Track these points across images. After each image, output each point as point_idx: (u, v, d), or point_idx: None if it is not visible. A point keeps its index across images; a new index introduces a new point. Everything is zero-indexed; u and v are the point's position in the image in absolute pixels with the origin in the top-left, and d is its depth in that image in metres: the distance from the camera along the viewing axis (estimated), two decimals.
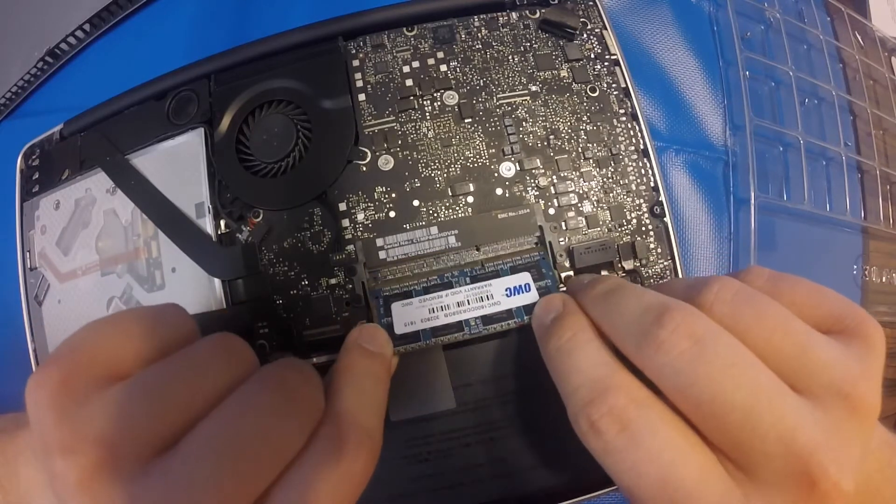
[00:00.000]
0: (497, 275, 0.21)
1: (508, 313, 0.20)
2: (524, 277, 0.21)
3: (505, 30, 0.25)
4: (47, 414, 0.13)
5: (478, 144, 0.23)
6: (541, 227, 0.22)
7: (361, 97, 0.24)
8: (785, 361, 0.14)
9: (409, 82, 0.24)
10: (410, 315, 0.21)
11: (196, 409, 0.14)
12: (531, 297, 0.21)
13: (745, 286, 0.15)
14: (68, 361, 0.14)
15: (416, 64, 0.24)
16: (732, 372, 0.14)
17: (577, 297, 0.18)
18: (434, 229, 0.22)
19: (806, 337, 0.14)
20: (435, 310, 0.21)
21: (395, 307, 0.21)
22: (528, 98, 0.24)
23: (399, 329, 0.20)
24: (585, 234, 0.22)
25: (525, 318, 0.20)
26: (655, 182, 0.23)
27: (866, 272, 0.29)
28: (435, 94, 0.24)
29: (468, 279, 0.21)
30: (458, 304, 0.21)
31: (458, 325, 0.20)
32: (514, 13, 0.25)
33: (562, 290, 0.22)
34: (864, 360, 0.14)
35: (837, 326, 0.15)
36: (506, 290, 0.21)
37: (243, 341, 0.16)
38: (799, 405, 0.14)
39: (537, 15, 0.25)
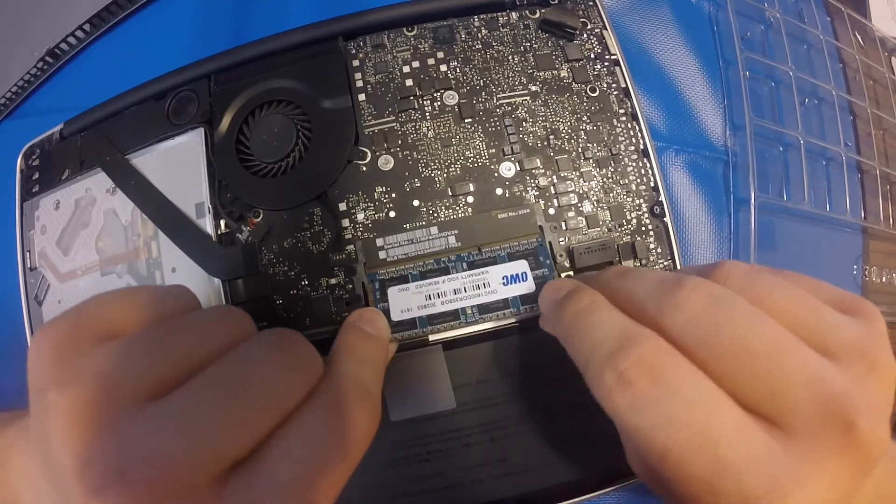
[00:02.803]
0: (494, 261, 0.21)
1: (505, 303, 0.21)
2: (521, 265, 0.21)
3: (505, 30, 0.25)
4: (46, 358, 0.14)
5: (478, 144, 0.23)
6: (541, 227, 0.22)
7: (361, 97, 0.24)
8: (801, 325, 0.14)
9: (409, 82, 0.24)
10: (407, 301, 0.21)
11: (195, 361, 0.14)
12: (528, 286, 0.21)
13: (754, 266, 0.16)
14: (73, 318, 0.14)
15: (416, 64, 0.24)
16: (754, 322, 0.14)
17: (588, 283, 0.18)
18: (434, 229, 0.22)
19: (818, 304, 0.15)
20: (432, 296, 0.21)
21: (392, 292, 0.21)
22: (528, 98, 0.24)
23: (396, 316, 0.21)
24: (585, 234, 0.22)
25: (521, 308, 0.20)
26: (655, 182, 0.23)
27: (866, 272, 0.29)
28: (435, 94, 0.24)
29: (465, 265, 0.21)
30: (455, 292, 0.21)
31: (455, 314, 0.21)
32: (514, 13, 0.25)
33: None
34: (872, 327, 0.15)
35: (838, 307, 0.15)
36: (503, 278, 0.21)
37: (244, 311, 0.16)
38: (821, 358, 0.14)
39: (537, 15, 0.25)
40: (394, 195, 0.23)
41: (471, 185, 0.23)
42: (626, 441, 0.17)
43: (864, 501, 0.14)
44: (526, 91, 0.24)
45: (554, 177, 0.23)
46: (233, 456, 0.13)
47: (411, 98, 0.24)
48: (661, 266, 0.22)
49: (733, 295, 0.14)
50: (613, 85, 0.24)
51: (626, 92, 0.24)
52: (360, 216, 0.23)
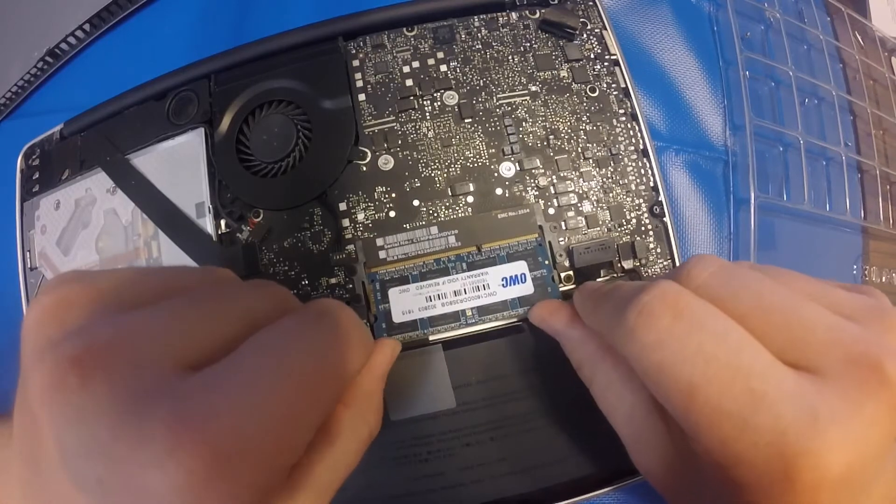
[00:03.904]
0: (494, 262, 0.22)
1: (504, 304, 0.21)
2: (521, 266, 0.22)
3: (505, 30, 0.25)
4: (38, 318, 0.12)
5: (478, 144, 0.23)
6: (541, 226, 0.22)
7: (361, 97, 0.24)
8: (813, 293, 0.14)
9: (409, 82, 0.24)
10: (408, 303, 0.21)
11: (231, 330, 0.13)
12: (526, 288, 0.21)
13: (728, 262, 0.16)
14: (86, 278, 0.13)
15: (416, 64, 0.24)
16: (765, 283, 0.14)
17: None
18: (434, 229, 0.22)
19: (826, 282, 0.15)
20: (432, 298, 0.21)
21: (393, 293, 0.21)
22: (528, 98, 0.24)
23: (397, 318, 0.21)
24: (585, 233, 0.22)
25: (520, 309, 0.21)
26: (655, 182, 0.23)
27: (866, 272, 0.29)
28: (435, 94, 0.24)
29: (465, 265, 0.22)
30: (455, 293, 0.21)
31: (455, 316, 0.21)
32: (514, 13, 0.25)
33: (560, 288, 0.22)
34: (881, 300, 0.15)
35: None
36: (502, 279, 0.21)
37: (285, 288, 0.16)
38: (837, 315, 0.13)
39: (537, 15, 0.25)
40: (394, 195, 0.23)
41: (471, 185, 0.23)
42: (631, 435, 0.17)
43: None
44: (526, 91, 0.24)
45: (554, 177, 0.23)
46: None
47: (411, 98, 0.24)
48: (661, 266, 0.22)
49: (740, 264, 0.15)
50: (613, 85, 0.24)
51: (625, 92, 0.24)
52: (361, 216, 0.23)
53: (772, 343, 0.13)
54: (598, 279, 0.22)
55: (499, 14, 0.25)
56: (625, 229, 0.23)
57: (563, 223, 0.22)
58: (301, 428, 0.12)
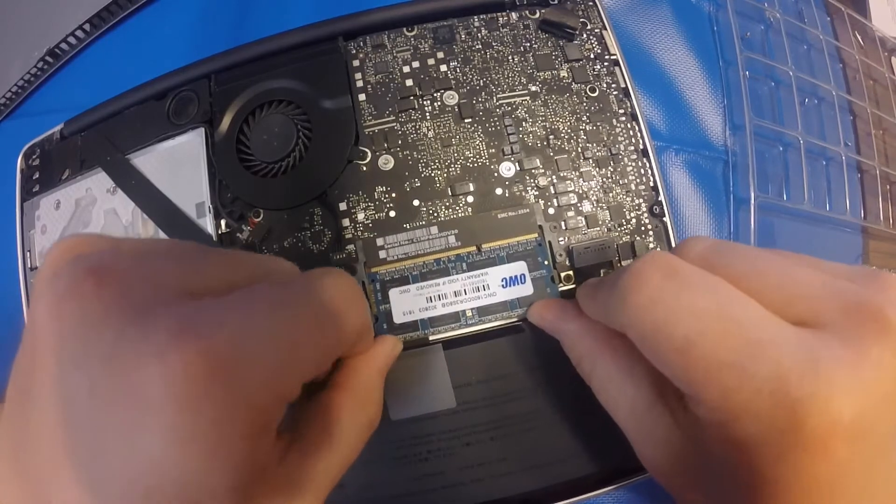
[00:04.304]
0: (494, 262, 0.22)
1: (504, 305, 0.21)
2: (520, 267, 0.22)
3: (505, 30, 0.25)
4: (58, 251, 0.12)
5: (478, 144, 0.23)
6: (540, 226, 0.22)
7: (361, 97, 0.24)
8: (807, 262, 0.14)
9: (409, 82, 0.24)
10: (409, 304, 0.21)
11: (241, 278, 0.13)
12: (526, 288, 0.21)
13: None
14: (104, 235, 0.14)
15: (416, 64, 0.24)
16: (757, 252, 0.14)
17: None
18: (434, 229, 0.22)
19: (817, 262, 0.15)
20: (432, 298, 0.21)
21: (393, 294, 0.21)
22: (527, 98, 0.24)
23: (398, 318, 0.21)
24: (585, 233, 0.22)
25: (519, 310, 0.21)
26: (655, 182, 0.23)
27: None
28: (435, 94, 0.24)
29: (465, 265, 0.22)
30: (455, 294, 0.21)
31: (455, 316, 0.21)
32: (514, 13, 0.25)
33: (560, 288, 0.22)
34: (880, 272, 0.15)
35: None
36: (502, 280, 0.21)
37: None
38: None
39: (537, 15, 0.25)
40: (394, 195, 0.23)
41: (471, 184, 0.23)
42: (634, 429, 0.17)
43: None
44: (526, 91, 0.24)
45: (554, 177, 0.23)
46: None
47: (411, 98, 0.24)
48: None
49: (735, 243, 0.15)
50: (613, 85, 0.24)
51: (625, 92, 0.24)
52: (361, 216, 0.23)
53: (768, 302, 0.13)
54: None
55: (499, 14, 0.25)
56: (625, 229, 0.23)
57: (563, 223, 0.22)
58: (300, 361, 0.13)
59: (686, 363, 0.13)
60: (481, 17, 0.25)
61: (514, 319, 0.21)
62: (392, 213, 0.23)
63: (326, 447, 0.15)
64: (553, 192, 0.23)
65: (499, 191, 0.23)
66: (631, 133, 0.23)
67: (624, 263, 0.22)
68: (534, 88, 0.24)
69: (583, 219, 0.22)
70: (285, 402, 0.13)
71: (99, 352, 0.11)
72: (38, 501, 0.11)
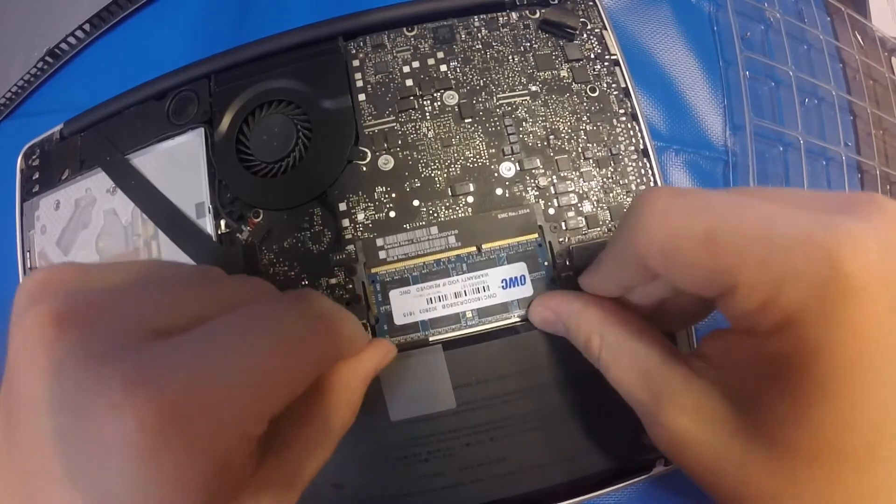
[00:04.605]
0: (494, 263, 0.22)
1: (504, 307, 0.21)
2: (520, 268, 0.22)
3: (505, 30, 0.25)
4: (28, 287, 0.13)
5: (478, 144, 0.23)
6: (541, 227, 0.22)
7: (361, 97, 0.24)
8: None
9: (409, 82, 0.24)
10: (409, 305, 0.21)
11: (206, 309, 0.13)
12: (526, 289, 0.21)
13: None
14: (77, 265, 0.14)
15: (416, 64, 0.24)
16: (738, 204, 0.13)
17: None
18: (434, 229, 0.22)
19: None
20: (433, 300, 0.21)
21: (394, 295, 0.21)
22: (528, 98, 0.24)
23: (399, 320, 0.21)
24: (585, 233, 0.22)
25: (519, 311, 0.21)
26: (655, 182, 0.23)
27: None
28: (435, 94, 0.24)
29: (465, 266, 0.22)
30: (456, 295, 0.21)
31: (455, 318, 0.21)
32: (514, 13, 0.25)
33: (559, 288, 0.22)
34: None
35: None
36: (502, 281, 0.21)
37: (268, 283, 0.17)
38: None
39: (537, 15, 0.25)
40: (394, 195, 0.23)
41: (471, 185, 0.23)
42: (650, 396, 0.16)
43: None
44: (526, 91, 0.24)
45: (554, 177, 0.23)
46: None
47: (411, 98, 0.24)
48: None
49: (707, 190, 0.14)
50: (613, 85, 0.24)
51: (626, 92, 0.24)
52: (360, 216, 0.23)
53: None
54: None
55: (499, 14, 0.25)
56: None
57: (563, 223, 0.22)
58: (264, 399, 0.13)
59: (714, 253, 0.13)
60: (481, 17, 0.25)
61: (515, 320, 0.21)
62: (392, 214, 0.23)
63: (295, 444, 0.15)
64: (553, 192, 0.23)
65: (499, 191, 0.23)
66: (631, 133, 0.23)
67: None
68: (534, 88, 0.24)
69: (583, 219, 0.22)
70: (252, 439, 0.13)
71: (63, 400, 0.11)
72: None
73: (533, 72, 0.24)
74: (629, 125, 0.24)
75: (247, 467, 0.13)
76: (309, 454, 0.15)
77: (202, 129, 0.24)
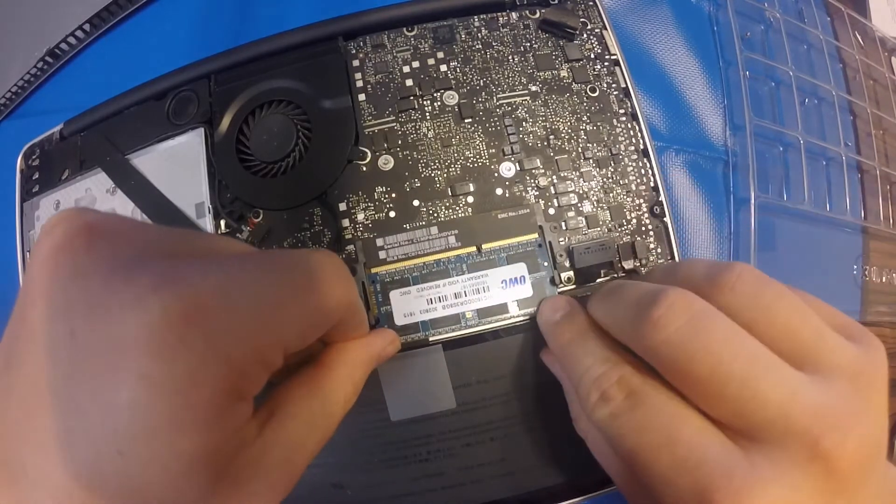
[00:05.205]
0: (494, 264, 0.22)
1: (503, 307, 0.21)
2: (520, 269, 0.22)
3: (505, 30, 0.25)
4: (53, 217, 0.13)
5: (478, 144, 0.23)
6: (541, 227, 0.22)
7: (361, 97, 0.24)
8: (800, 342, 0.14)
9: (409, 82, 0.24)
10: (410, 305, 0.21)
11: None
12: (526, 290, 0.21)
13: (764, 275, 0.16)
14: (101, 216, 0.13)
15: (416, 64, 0.24)
16: (731, 345, 0.14)
17: (586, 303, 0.19)
18: (434, 229, 0.22)
19: (821, 323, 0.15)
20: (433, 300, 0.21)
21: (394, 296, 0.21)
22: (528, 98, 0.24)
23: (399, 320, 0.21)
24: (585, 234, 0.22)
25: (519, 311, 0.21)
26: (655, 182, 0.23)
27: (866, 272, 0.29)
28: (435, 94, 0.24)
29: (465, 267, 0.22)
30: (456, 296, 0.21)
31: (455, 318, 0.21)
32: (514, 13, 0.25)
33: (559, 289, 0.22)
34: (872, 355, 0.15)
35: (843, 333, 0.15)
36: (501, 282, 0.21)
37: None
38: (801, 377, 0.14)
39: (537, 15, 0.25)
40: (394, 195, 0.23)
41: (471, 185, 0.23)
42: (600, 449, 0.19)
43: None
44: (526, 91, 0.24)
45: (554, 177, 0.23)
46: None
47: (411, 98, 0.24)
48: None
49: (711, 310, 0.14)
50: (613, 85, 0.24)
51: (626, 92, 0.24)
52: (360, 216, 0.23)
53: (719, 413, 0.14)
54: (599, 279, 0.22)
55: (499, 14, 0.25)
56: (625, 229, 0.23)
57: (563, 223, 0.22)
58: (283, 324, 0.13)
59: (632, 467, 0.15)
60: (481, 17, 0.25)
61: (515, 321, 0.21)
62: (392, 214, 0.23)
63: (304, 422, 0.15)
64: (553, 192, 0.23)
65: (499, 191, 0.23)
66: (631, 133, 0.23)
67: (624, 264, 0.22)
68: (534, 88, 0.24)
69: (583, 219, 0.22)
70: (265, 370, 0.13)
71: (84, 301, 0.11)
72: (9, 463, 0.11)
73: (533, 72, 0.24)
74: (629, 125, 0.24)
75: (250, 427, 0.13)
76: (311, 428, 0.15)
77: (202, 129, 0.24)
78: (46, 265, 0.12)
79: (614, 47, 0.25)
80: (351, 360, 0.17)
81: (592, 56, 0.24)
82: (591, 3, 0.25)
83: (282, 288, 0.13)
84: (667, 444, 0.14)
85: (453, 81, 0.24)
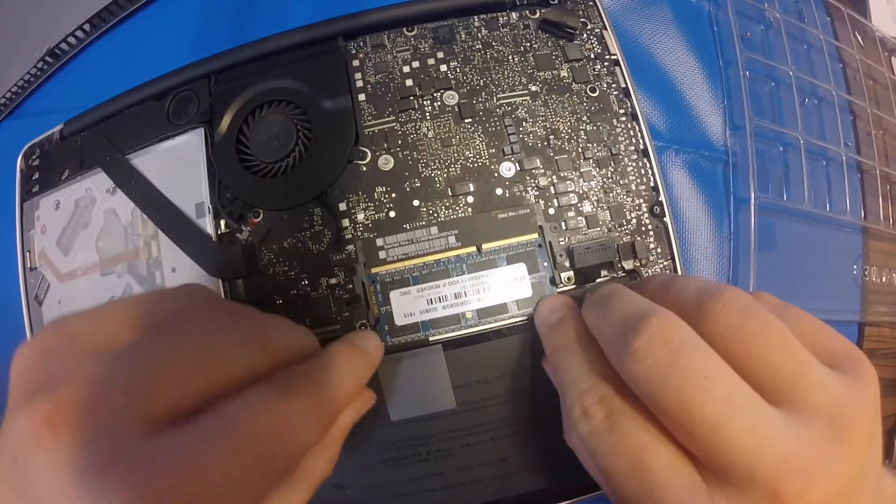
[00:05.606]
0: (494, 264, 0.22)
1: (503, 307, 0.21)
2: (520, 269, 0.22)
3: (505, 30, 0.25)
4: (22, 367, 0.13)
5: (478, 144, 0.23)
6: (541, 227, 0.22)
7: (361, 97, 0.24)
8: (780, 379, 0.14)
9: (409, 82, 0.24)
10: (410, 306, 0.21)
11: (198, 389, 0.13)
12: (526, 290, 0.21)
13: (755, 301, 0.15)
14: (61, 325, 0.14)
15: (416, 64, 0.24)
16: (705, 385, 0.14)
17: (582, 303, 0.19)
18: (434, 229, 0.22)
19: (805, 358, 0.14)
20: (433, 300, 0.21)
21: (394, 296, 0.21)
22: (528, 98, 0.24)
23: (399, 320, 0.21)
24: (585, 234, 0.22)
25: (519, 311, 0.21)
26: (655, 182, 0.23)
27: (866, 272, 0.29)
28: (435, 94, 0.24)
29: (465, 267, 0.22)
30: (456, 296, 0.21)
31: (456, 318, 0.21)
32: (514, 13, 0.25)
33: (559, 289, 0.22)
34: (858, 391, 0.14)
35: (833, 361, 0.15)
36: (501, 282, 0.22)
37: (277, 319, 0.17)
38: (775, 418, 0.14)
39: (537, 15, 0.25)
40: (394, 195, 0.23)
41: (471, 185, 0.23)
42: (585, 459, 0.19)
43: None
44: (526, 91, 0.24)
45: (554, 177, 0.23)
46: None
47: (411, 98, 0.24)
48: (661, 266, 0.22)
49: (691, 343, 0.14)
50: (613, 85, 0.24)
51: (626, 92, 0.24)
52: (360, 216, 0.23)
53: (690, 448, 0.14)
54: (599, 280, 0.22)
55: (499, 14, 0.25)
56: (625, 229, 0.23)
57: (563, 223, 0.22)
58: (249, 495, 0.13)
59: (606, 485, 0.16)
60: (481, 16, 0.25)
61: (515, 321, 0.21)
62: (392, 214, 0.23)
63: (278, 499, 0.16)
64: (553, 192, 0.23)
65: (499, 191, 0.23)
66: (631, 133, 0.23)
67: (624, 264, 0.22)
68: (534, 88, 0.24)
69: (583, 219, 0.22)
70: None
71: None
72: None
73: (533, 72, 0.24)
74: (629, 125, 0.24)
75: None
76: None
77: (202, 129, 0.24)
78: (25, 454, 0.12)
79: (614, 47, 0.25)
80: (325, 438, 0.17)
81: (592, 56, 0.24)
82: (591, 3, 0.25)
83: (254, 467, 0.13)
84: (636, 473, 0.14)
85: (453, 81, 0.24)
